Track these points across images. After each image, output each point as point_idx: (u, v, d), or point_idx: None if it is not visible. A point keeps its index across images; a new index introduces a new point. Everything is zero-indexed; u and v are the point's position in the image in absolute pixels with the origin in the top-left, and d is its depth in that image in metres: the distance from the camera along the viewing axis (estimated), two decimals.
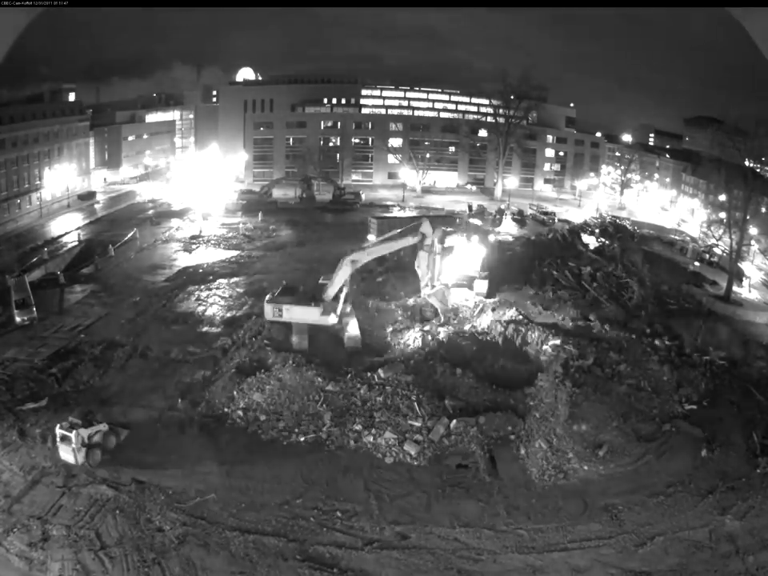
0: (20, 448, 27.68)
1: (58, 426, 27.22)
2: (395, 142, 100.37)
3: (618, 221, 78.27)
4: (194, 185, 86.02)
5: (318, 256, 58.42)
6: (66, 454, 26.79)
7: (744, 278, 59.46)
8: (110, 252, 57.70)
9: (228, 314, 43.37)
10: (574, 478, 27.47)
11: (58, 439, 27.13)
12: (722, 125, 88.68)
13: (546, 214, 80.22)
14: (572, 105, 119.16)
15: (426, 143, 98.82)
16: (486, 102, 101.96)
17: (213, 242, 63.14)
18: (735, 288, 55.42)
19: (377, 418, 30.09)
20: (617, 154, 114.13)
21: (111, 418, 30.13)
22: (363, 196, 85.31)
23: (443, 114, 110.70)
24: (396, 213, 79.58)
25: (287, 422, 29.99)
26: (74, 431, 26.52)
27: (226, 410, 31.04)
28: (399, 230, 40.13)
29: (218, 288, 48.46)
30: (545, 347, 36.31)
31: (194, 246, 61.23)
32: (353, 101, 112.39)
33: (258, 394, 31.31)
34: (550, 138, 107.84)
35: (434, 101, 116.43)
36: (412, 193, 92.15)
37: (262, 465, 27.43)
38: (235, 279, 50.82)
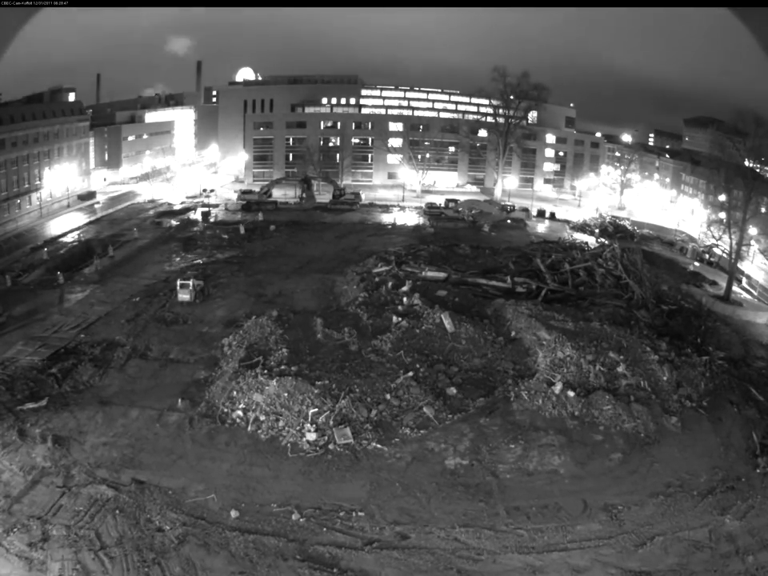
0: (20, 448, 27.64)
1: (179, 279, 45.94)
2: (395, 142, 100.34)
3: (617, 221, 78.41)
4: (194, 184, 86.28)
5: (317, 255, 58.56)
6: (184, 295, 44.41)
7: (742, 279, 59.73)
8: (110, 252, 57.73)
9: (228, 314, 43.36)
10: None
11: (178, 287, 44.79)
12: (721, 125, 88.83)
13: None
14: (572, 105, 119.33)
15: (426, 143, 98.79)
16: (486, 102, 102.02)
17: (212, 241, 63.16)
18: (735, 288, 55.54)
19: None
20: (617, 154, 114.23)
21: (111, 417, 30.30)
22: (363, 196, 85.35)
23: (443, 114, 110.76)
24: (395, 213, 79.80)
25: (287, 421, 29.99)
26: (191, 281, 45.25)
27: (225, 410, 31.07)
28: None
29: (217, 288, 48.43)
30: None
31: (194, 246, 61.23)
32: (353, 101, 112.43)
33: (258, 394, 31.32)
34: (549, 138, 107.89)
35: (433, 101, 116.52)
36: (412, 193, 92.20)
37: (261, 465, 27.44)
38: (235, 279, 50.80)
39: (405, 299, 43.36)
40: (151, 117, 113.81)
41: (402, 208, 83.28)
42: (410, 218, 77.41)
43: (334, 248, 61.43)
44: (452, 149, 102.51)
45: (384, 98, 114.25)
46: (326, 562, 22.29)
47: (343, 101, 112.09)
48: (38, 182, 77.71)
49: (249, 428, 29.79)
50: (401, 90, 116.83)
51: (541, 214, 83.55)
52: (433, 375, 34.40)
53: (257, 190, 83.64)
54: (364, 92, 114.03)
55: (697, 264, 65.55)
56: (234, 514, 24.25)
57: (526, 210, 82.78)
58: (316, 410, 30.33)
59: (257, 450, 28.33)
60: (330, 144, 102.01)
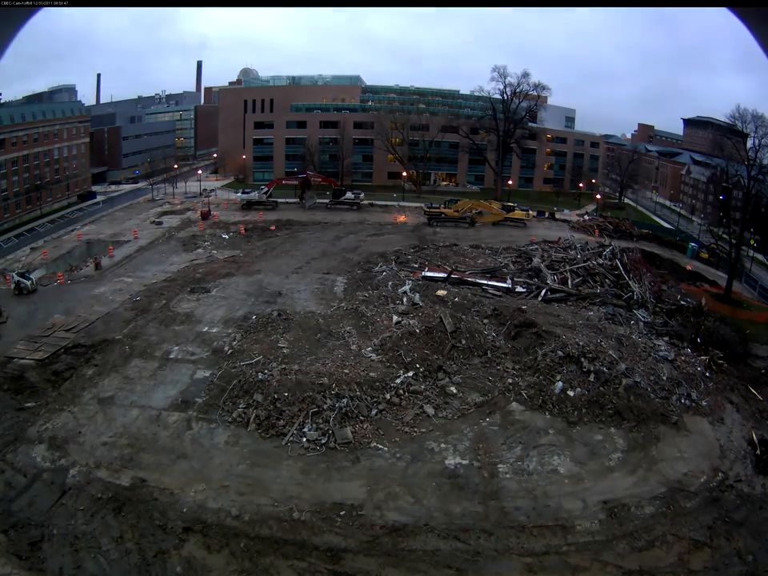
0: (20, 448, 27.68)
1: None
2: (395, 141, 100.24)
3: (617, 221, 78.36)
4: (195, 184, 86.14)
5: (317, 255, 58.53)
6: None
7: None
8: (110, 252, 57.78)
9: (228, 314, 43.38)
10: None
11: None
12: (721, 125, 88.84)
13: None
14: (572, 105, 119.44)
15: (426, 143, 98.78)
16: (486, 102, 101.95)
17: (213, 241, 63.17)
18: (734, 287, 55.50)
19: None
20: (616, 154, 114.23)
21: (111, 417, 30.33)
22: (363, 196, 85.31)
23: (443, 114, 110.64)
24: (396, 213, 79.79)
25: (287, 419, 29.99)
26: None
27: (226, 409, 31.05)
28: None
29: (217, 287, 48.48)
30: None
31: (194, 246, 61.25)
32: (353, 101, 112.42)
33: (258, 394, 31.32)
34: (549, 137, 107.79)
35: (434, 101, 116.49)
36: (412, 193, 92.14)
37: (262, 465, 27.43)
38: (235, 279, 50.83)
39: (405, 299, 43.40)
40: (151, 117, 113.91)
41: (402, 208, 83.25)
42: (409, 218, 77.39)
43: (334, 248, 61.42)
44: (452, 149, 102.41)
45: (384, 98, 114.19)
46: (326, 562, 22.28)
47: (343, 101, 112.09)
48: (38, 182, 77.78)
49: (249, 427, 29.80)
50: (401, 89, 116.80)
51: (540, 213, 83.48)
52: (433, 375, 34.44)
53: (257, 190, 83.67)
54: (364, 92, 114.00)
55: (696, 264, 65.52)
56: (234, 513, 24.26)
57: (525, 209, 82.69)
58: (316, 408, 30.35)
59: (257, 450, 28.33)
60: (330, 144, 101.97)
